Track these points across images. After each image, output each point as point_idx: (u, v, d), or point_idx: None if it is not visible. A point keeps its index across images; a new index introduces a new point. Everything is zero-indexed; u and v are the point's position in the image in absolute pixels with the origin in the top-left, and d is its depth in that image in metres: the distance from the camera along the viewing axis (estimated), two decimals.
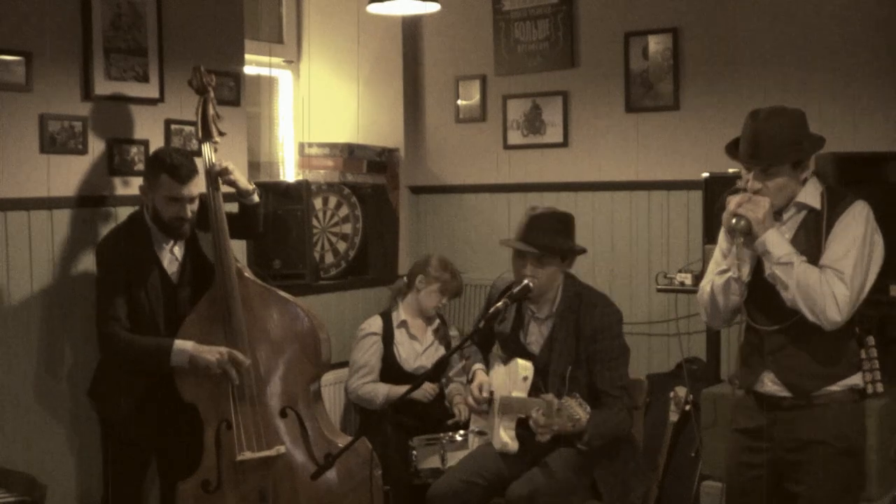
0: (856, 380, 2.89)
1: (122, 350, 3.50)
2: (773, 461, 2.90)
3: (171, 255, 3.64)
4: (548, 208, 3.56)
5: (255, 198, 3.85)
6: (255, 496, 3.55)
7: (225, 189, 3.73)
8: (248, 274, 3.72)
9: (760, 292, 2.85)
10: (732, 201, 2.82)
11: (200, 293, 3.67)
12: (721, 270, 2.92)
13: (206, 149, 3.72)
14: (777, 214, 2.83)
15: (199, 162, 3.65)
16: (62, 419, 3.75)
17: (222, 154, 3.77)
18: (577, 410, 3.10)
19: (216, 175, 3.68)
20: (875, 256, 2.78)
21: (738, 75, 4.44)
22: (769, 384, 2.88)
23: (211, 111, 3.75)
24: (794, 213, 2.85)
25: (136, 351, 3.49)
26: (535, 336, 3.52)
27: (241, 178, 3.81)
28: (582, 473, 3.39)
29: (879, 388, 3.48)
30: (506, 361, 3.56)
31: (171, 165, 3.49)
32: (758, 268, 2.84)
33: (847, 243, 2.73)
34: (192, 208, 3.56)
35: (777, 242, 2.75)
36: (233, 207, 3.86)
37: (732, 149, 2.89)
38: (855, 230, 2.74)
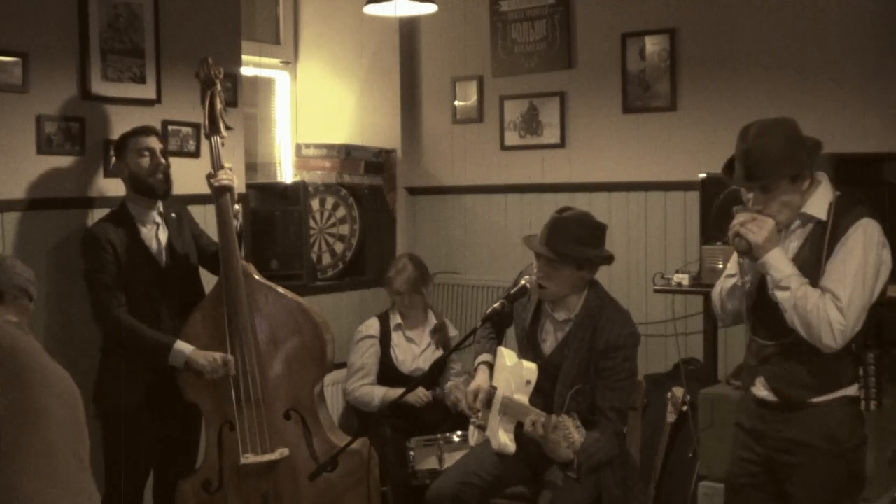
0: (850, 391, 2.83)
1: (126, 336, 3.46)
2: (767, 461, 2.91)
3: (156, 239, 3.62)
4: (578, 212, 3.38)
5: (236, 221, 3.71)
6: (258, 500, 3.54)
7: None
8: (255, 275, 3.70)
9: (764, 306, 2.82)
10: (738, 217, 2.77)
11: (189, 278, 3.68)
12: (730, 275, 2.91)
13: (215, 142, 3.67)
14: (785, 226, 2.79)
15: (203, 157, 3.63)
16: None
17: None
18: (573, 433, 3.02)
19: (219, 186, 3.61)
20: (882, 274, 2.70)
21: (736, 76, 4.44)
22: (761, 388, 2.89)
23: (219, 105, 3.68)
24: (800, 224, 2.78)
25: (139, 341, 3.47)
26: (550, 337, 3.47)
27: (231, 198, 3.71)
28: (591, 488, 3.36)
29: (872, 406, 3.46)
30: (516, 356, 3.51)
31: (132, 130, 3.62)
32: (762, 281, 2.81)
33: (847, 267, 2.65)
34: (164, 162, 3.58)
35: (777, 265, 2.69)
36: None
37: (728, 171, 2.82)
38: (858, 253, 2.65)
